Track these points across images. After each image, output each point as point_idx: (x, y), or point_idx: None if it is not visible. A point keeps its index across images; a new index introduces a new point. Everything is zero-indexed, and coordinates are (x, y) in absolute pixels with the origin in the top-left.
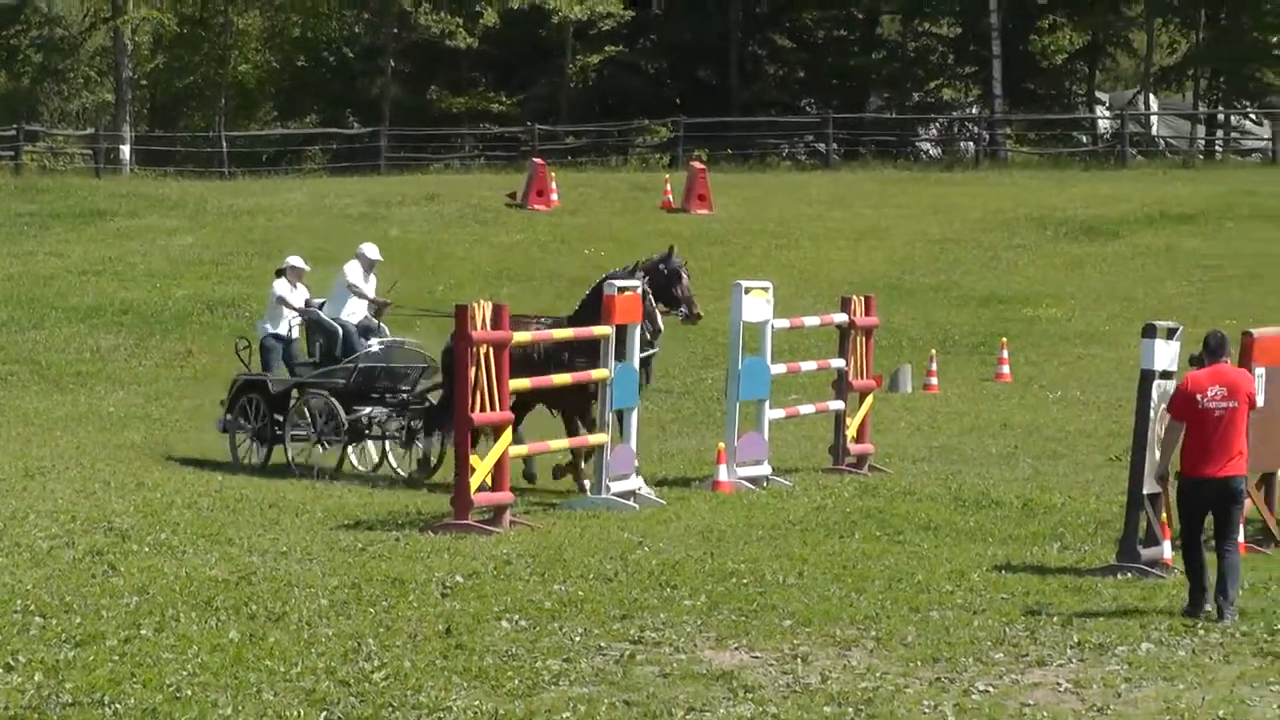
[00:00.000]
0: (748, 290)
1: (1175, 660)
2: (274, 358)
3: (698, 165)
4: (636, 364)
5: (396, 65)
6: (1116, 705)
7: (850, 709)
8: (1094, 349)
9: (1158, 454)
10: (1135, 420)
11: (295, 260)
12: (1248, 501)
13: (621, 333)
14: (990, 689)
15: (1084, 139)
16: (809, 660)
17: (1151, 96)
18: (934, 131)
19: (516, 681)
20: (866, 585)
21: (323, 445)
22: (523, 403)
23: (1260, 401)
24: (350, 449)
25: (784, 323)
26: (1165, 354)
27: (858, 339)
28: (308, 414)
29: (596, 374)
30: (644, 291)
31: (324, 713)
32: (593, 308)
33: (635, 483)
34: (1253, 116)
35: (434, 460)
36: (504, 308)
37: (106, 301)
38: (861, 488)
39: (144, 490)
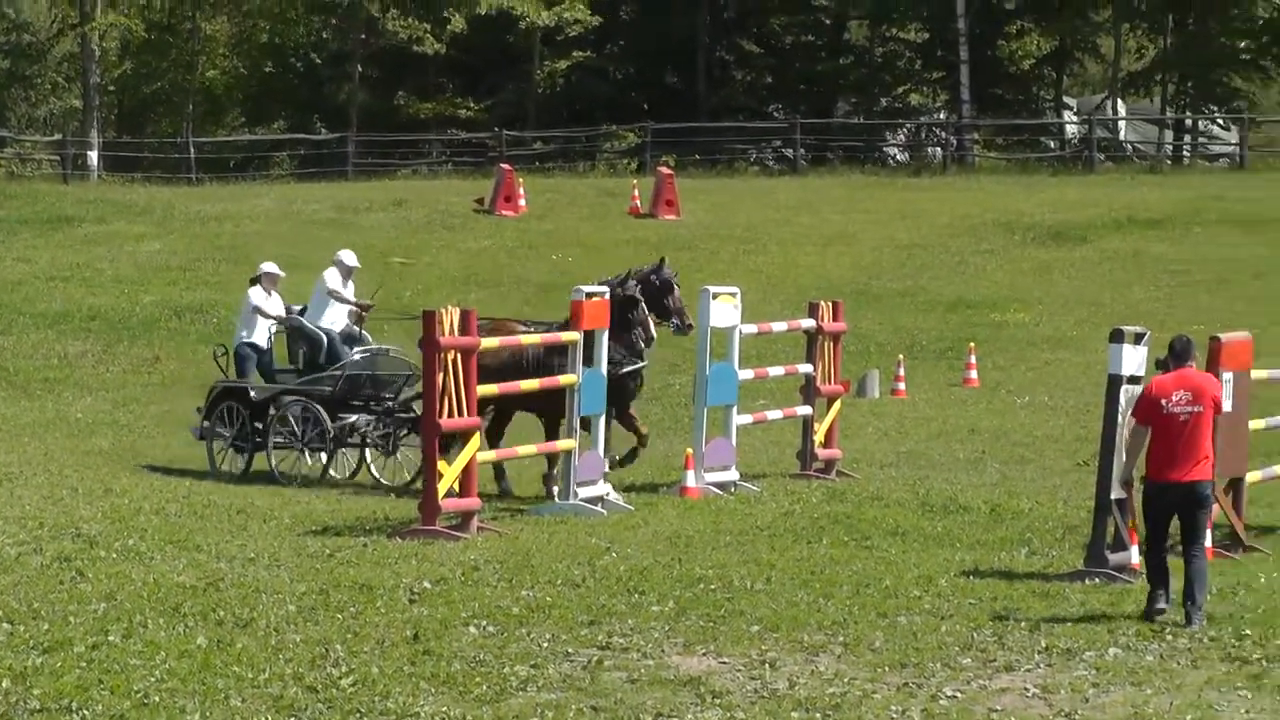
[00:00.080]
0: (715, 296)
1: (1143, 665)
2: (249, 365)
3: (665, 171)
4: (605, 369)
5: (364, 71)
6: (1084, 710)
7: (818, 714)
8: (1061, 354)
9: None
10: (1103, 425)
11: (270, 267)
12: (1216, 506)
13: (589, 338)
14: (958, 694)
15: (1052, 144)
16: (777, 666)
17: (1119, 102)
18: (902, 137)
19: (484, 687)
20: (834, 590)
21: (306, 453)
22: (505, 409)
23: (1228, 406)
24: (312, 456)
25: (751, 328)
26: (1133, 359)
27: (825, 344)
28: (291, 422)
29: (564, 379)
30: (636, 300)
31: (292, 719)
32: None
33: (603, 488)
34: (1220, 121)
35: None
36: (472, 313)
37: (74, 307)
38: (829, 493)
39: (112, 496)
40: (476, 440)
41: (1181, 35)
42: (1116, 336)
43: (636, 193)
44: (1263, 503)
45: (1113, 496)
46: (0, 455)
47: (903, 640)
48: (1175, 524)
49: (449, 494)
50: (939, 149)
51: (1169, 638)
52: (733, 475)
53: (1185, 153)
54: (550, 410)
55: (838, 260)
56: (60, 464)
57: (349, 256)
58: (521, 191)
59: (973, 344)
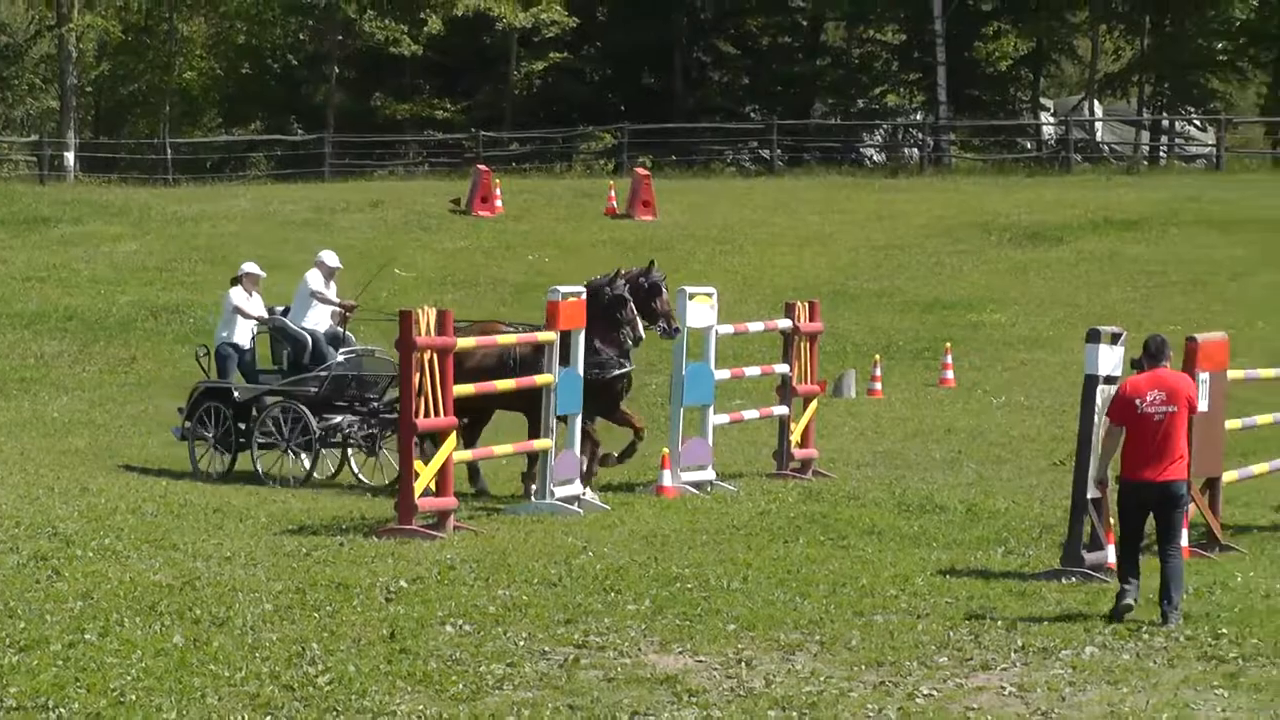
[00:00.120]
0: (692, 296)
1: (1119, 664)
2: (230, 365)
3: (642, 171)
4: (581, 369)
5: (341, 72)
6: (1061, 709)
7: (794, 713)
8: (1038, 354)
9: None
10: (1079, 425)
11: (251, 267)
12: (1192, 506)
13: (565, 339)
14: (934, 693)
15: (1028, 145)
16: (753, 664)
17: (1096, 103)
18: (878, 138)
19: (461, 686)
20: (811, 590)
21: (291, 454)
22: (486, 409)
23: (1204, 406)
24: (298, 457)
25: (728, 328)
26: (1109, 359)
27: (802, 344)
28: (275, 422)
29: (540, 379)
30: (625, 299)
31: (268, 717)
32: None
33: (579, 488)
34: (1197, 123)
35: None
36: (448, 313)
37: (50, 308)
38: (805, 493)
39: (88, 495)
40: (453, 440)
41: (1158, 37)
42: (1093, 337)
43: (613, 194)
44: (1239, 502)
45: (1089, 496)
46: None
47: (879, 639)
48: (1151, 524)
49: (425, 493)
50: (916, 150)
51: (1145, 637)
52: (709, 475)
53: (1162, 154)
54: (534, 410)
55: (814, 261)
56: (37, 463)
57: (330, 257)
58: (498, 192)
59: (949, 344)
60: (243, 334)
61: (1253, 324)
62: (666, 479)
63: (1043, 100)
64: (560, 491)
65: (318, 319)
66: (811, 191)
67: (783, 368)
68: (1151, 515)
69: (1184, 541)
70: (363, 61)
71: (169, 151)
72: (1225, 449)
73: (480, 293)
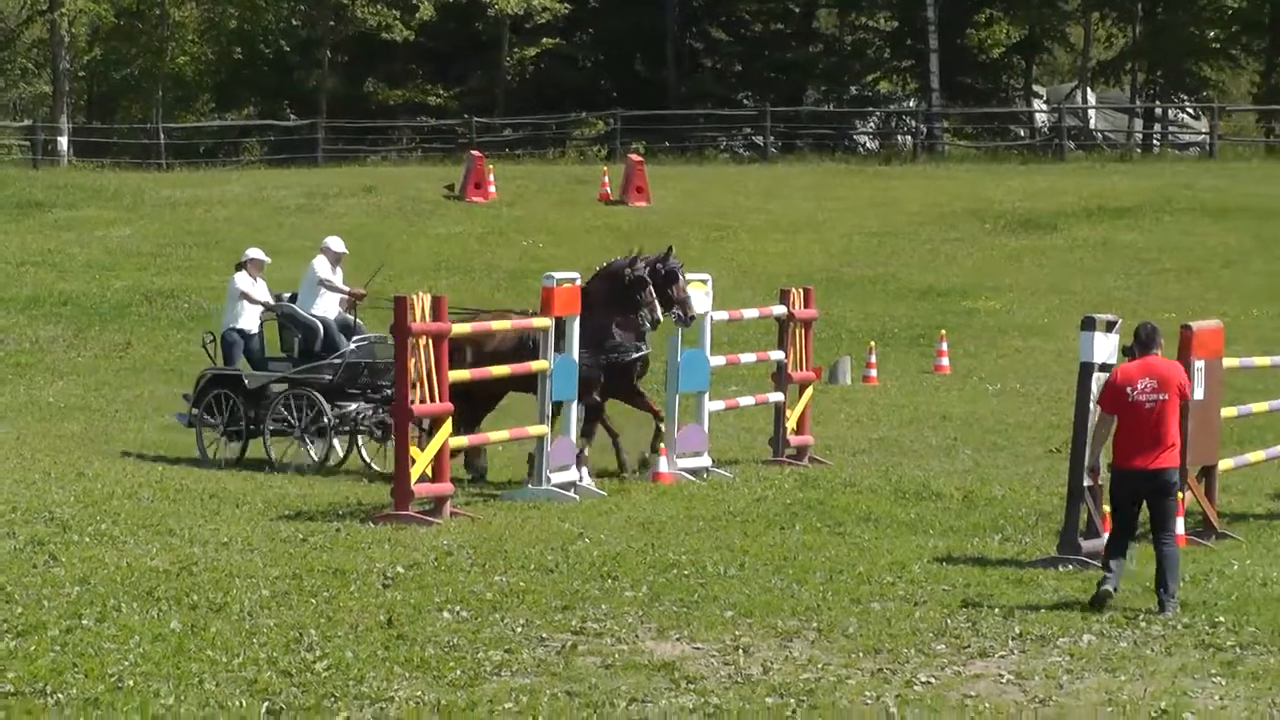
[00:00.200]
0: (687, 283)
1: (1117, 652)
2: (236, 352)
3: (635, 158)
4: (576, 355)
5: (333, 57)
6: (1058, 696)
7: (792, 700)
8: (1033, 341)
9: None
10: (1075, 412)
11: (256, 253)
12: (1189, 494)
13: (560, 325)
14: (932, 680)
15: (1021, 133)
16: (750, 651)
17: (1089, 90)
18: (871, 125)
19: (458, 672)
20: (807, 577)
21: (306, 441)
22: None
23: (1199, 394)
24: (311, 444)
25: (723, 315)
26: (1104, 346)
27: (797, 331)
28: (288, 409)
29: (536, 365)
30: (645, 281)
31: (266, 703)
32: (595, 294)
33: (575, 474)
34: (1190, 110)
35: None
36: (443, 299)
37: (45, 292)
38: (802, 479)
39: (84, 480)
40: (449, 426)
41: (1151, 24)
42: (1088, 324)
43: (607, 180)
44: (1235, 490)
45: (1085, 483)
46: None
47: (876, 626)
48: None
49: (422, 479)
50: (909, 137)
51: (1143, 624)
52: (705, 461)
53: (1155, 141)
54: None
55: (808, 247)
56: (32, 448)
57: (336, 243)
58: (492, 178)
59: (944, 331)
60: (249, 320)
61: (1247, 311)
62: (663, 465)
63: (1035, 88)
64: (556, 478)
65: (326, 306)
66: (805, 178)
67: (778, 354)
68: (1145, 504)
69: (1180, 530)
70: (355, 47)
71: (162, 136)
72: (1221, 437)
73: (474, 278)
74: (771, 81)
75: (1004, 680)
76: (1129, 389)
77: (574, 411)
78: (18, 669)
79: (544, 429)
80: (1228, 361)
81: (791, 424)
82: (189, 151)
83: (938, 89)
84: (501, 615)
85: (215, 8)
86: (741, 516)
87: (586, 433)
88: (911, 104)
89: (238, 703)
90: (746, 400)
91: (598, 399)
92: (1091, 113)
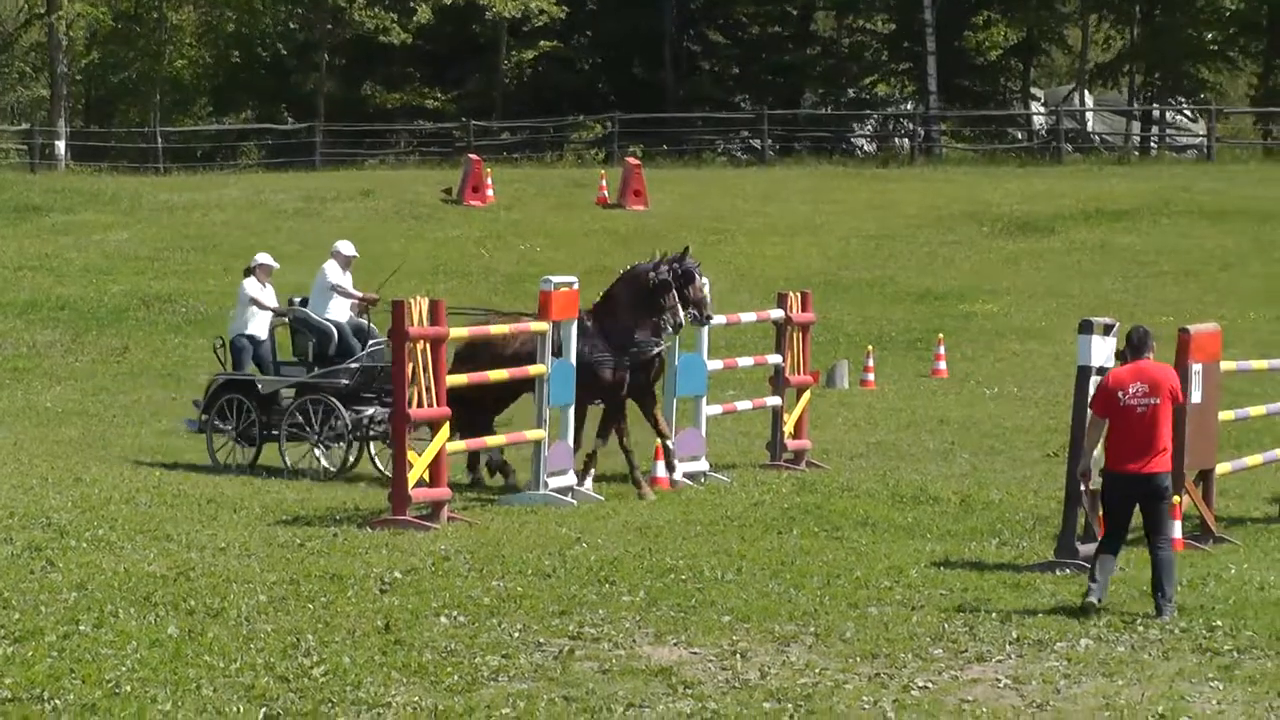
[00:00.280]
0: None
1: (1114, 656)
2: (245, 357)
3: (633, 161)
4: (573, 358)
5: (331, 61)
6: (1056, 701)
7: (789, 705)
8: (1030, 345)
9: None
10: (1072, 416)
11: (264, 258)
12: (1186, 497)
13: (558, 329)
14: (929, 685)
15: (1019, 135)
16: (748, 656)
17: (1086, 93)
18: (869, 128)
19: (456, 677)
20: (805, 581)
21: (323, 447)
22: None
23: (1197, 398)
24: (326, 450)
25: (720, 319)
26: (1102, 350)
27: (794, 335)
28: (304, 414)
29: (534, 369)
30: (670, 285)
31: (263, 708)
32: (619, 298)
33: (573, 478)
34: (1187, 113)
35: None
36: (440, 303)
37: (42, 297)
38: (799, 484)
39: (82, 485)
40: (446, 430)
41: (1149, 26)
42: (1085, 328)
43: (604, 183)
44: (1232, 494)
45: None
46: None
47: (874, 631)
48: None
49: (419, 484)
50: (906, 140)
51: (1140, 629)
52: (702, 466)
53: (1153, 144)
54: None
55: (806, 251)
56: (30, 453)
57: (346, 246)
58: (489, 182)
59: (941, 335)
60: (259, 325)
61: (1245, 314)
62: (660, 470)
63: (1033, 90)
64: (554, 482)
65: (338, 310)
66: (802, 181)
67: (775, 358)
68: (1139, 509)
69: (1177, 534)
70: (353, 50)
71: (160, 140)
72: (1219, 441)
73: (472, 282)
74: (769, 84)
75: (1001, 685)
76: (1120, 393)
77: (571, 415)
78: (15, 675)
79: (541, 433)
80: (1225, 365)
81: (789, 428)
82: (186, 155)
83: (935, 91)
84: (499, 620)
85: (213, 11)
86: (739, 521)
87: (602, 434)
88: (909, 107)
89: (235, 708)
90: (744, 404)
91: (620, 401)
92: (1089, 115)
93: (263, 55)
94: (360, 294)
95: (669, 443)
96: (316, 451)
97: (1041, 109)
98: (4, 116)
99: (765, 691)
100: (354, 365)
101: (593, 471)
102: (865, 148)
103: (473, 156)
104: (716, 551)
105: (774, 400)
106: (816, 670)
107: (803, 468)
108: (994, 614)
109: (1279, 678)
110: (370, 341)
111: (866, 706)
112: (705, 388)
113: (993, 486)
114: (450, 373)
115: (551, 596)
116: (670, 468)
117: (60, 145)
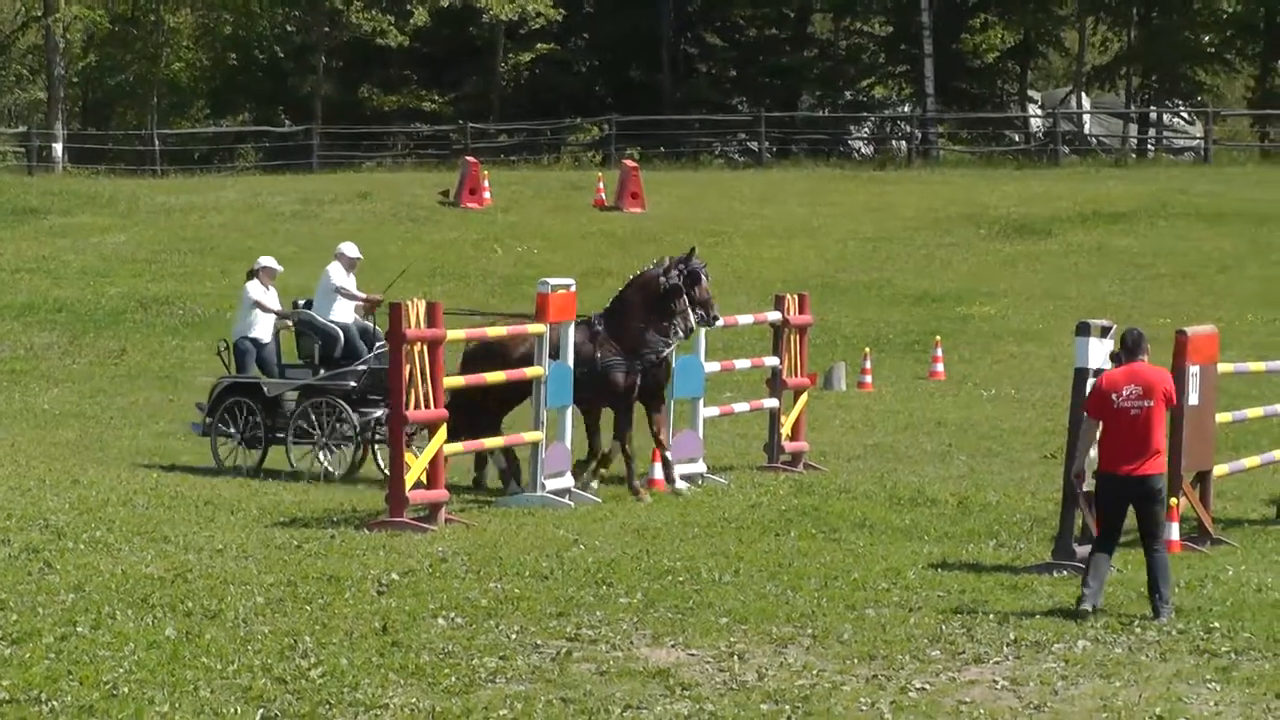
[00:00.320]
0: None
1: (1112, 658)
2: (249, 360)
3: (630, 163)
4: (570, 361)
5: (328, 63)
6: (1053, 703)
7: (787, 706)
8: (1028, 347)
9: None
10: (1069, 418)
11: (268, 261)
12: (1183, 499)
13: (555, 332)
14: (927, 686)
15: (1016, 137)
16: (746, 658)
17: (1084, 95)
18: (866, 130)
19: (453, 679)
20: (802, 583)
21: (329, 450)
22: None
23: (1194, 400)
24: (332, 453)
25: (718, 320)
26: (1099, 352)
27: (792, 337)
28: (313, 417)
29: (530, 372)
30: (680, 289)
31: (261, 710)
32: (630, 302)
33: (570, 480)
34: (1184, 115)
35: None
36: (438, 305)
37: (40, 299)
38: (797, 486)
39: (79, 487)
40: (443, 432)
41: (1146, 29)
42: (1082, 329)
43: (601, 185)
44: (1230, 496)
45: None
46: None
47: (871, 632)
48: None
49: (417, 485)
50: (904, 142)
51: (1138, 630)
52: (700, 467)
53: (1150, 146)
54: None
55: (803, 253)
56: (27, 455)
57: (350, 248)
58: (486, 184)
59: (939, 337)
60: (262, 328)
61: (1242, 316)
62: (657, 472)
63: (1030, 92)
64: (551, 484)
65: (343, 312)
66: (800, 183)
67: (773, 360)
68: (1133, 511)
69: (1174, 535)
70: (350, 53)
71: (157, 143)
72: (1216, 443)
73: (469, 284)
74: (766, 87)
75: (999, 686)
76: (1114, 395)
77: (569, 418)
78: (12, 676)
79: (539, 435)
80: (1222, 367)
81: (786, 430)
82: (184, 158)
83: (932, 94)
84: (496, 622)
85: (210, 14)
86: (736, 523)
87: (618, 435)
88: (906, 109)
89: (232, 710)
90: (741, 406)
91: (630, 405)
92: (1086, 117)
93: (260, 58)
94: (364, 295)
95: (667, 454)
96: (321, 454)
97: (1039, 111)
98: (1, 119)
99: (763, 693)
100: (361, 367)
101: (602, 472)
102: (862, 150)
103: (470, 159)
104: (714, 553)
105: (771, 402)
106: (814, 672)
107: (800, 470)
108: (991, 615)
109: (1276, 679)
110: (377, 344)
111: (864, 708)
112: (703, 390)
113: (990, 488)
114: (461, 374)
115: (549, 598)
116: (669, 479)
117: (58, 147)
